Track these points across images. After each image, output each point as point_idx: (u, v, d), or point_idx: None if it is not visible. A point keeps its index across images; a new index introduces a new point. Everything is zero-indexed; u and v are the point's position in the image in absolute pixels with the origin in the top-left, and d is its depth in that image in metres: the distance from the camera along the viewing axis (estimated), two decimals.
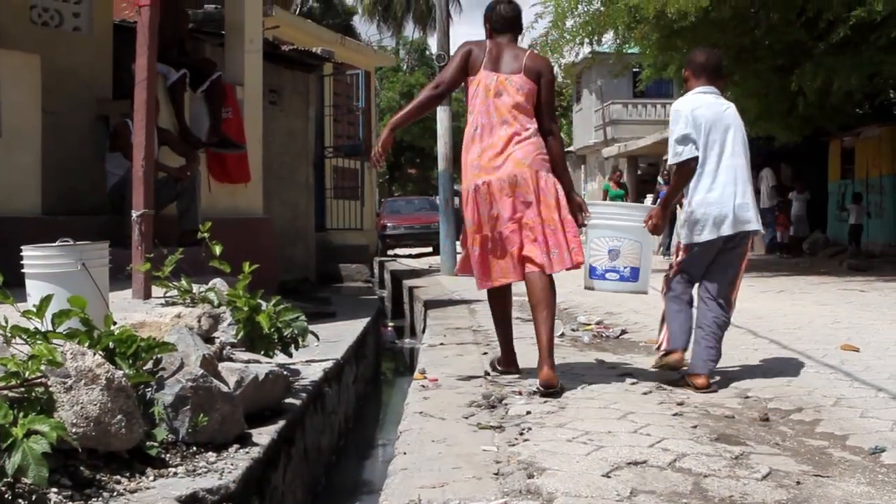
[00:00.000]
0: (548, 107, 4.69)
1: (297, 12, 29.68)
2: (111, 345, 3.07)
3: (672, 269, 4.80)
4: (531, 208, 4.50)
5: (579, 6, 13.63)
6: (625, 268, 4.78)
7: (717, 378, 4.71)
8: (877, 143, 17.55)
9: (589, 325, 7.22)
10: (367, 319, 7.76)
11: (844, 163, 19.22)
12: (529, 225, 4.51)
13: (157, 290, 5.05)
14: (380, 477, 3.95)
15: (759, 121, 15.80)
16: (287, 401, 3.93)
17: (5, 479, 2.40)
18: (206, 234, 4.77)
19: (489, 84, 4.61)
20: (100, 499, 2.52)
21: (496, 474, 3.01)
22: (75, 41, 7.84)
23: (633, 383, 4.65)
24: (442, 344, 6.40)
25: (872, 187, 17.74)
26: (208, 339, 4.13)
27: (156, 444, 2.90)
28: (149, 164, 5.47)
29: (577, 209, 4.73)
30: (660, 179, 18.00)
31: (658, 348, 4.86)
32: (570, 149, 38.49)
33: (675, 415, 3.89)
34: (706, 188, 4.57)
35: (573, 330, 6.95)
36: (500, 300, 4.91)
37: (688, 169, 4.57)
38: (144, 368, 3.13)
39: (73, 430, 2.62)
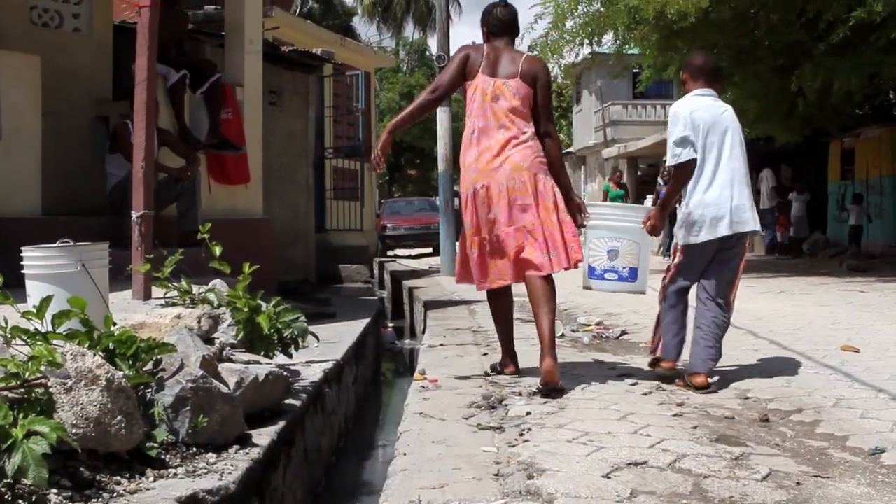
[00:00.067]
0: (545, 109, 4.75)
1: (297, 13, 29.70)
2: (111, 346, 3.07)
3: (669, 274, 4.79)
4: (529, 211, 4.56)
5: (579, 7, 13.63)
6: (623, 268, 4.83)
7: (717, 378, 4.72)
8: (877, 144, 17.56)
9: (589, 325, 7.22)
10: (366, 320, 7.76)
11: (844, 163, 19.22)
12: (528, 228, 4.56)
13: (156, 291, 5.05)
14: (380, 478, 3.95)
15: (758, 121, 15.80)
16: (287, 402, 3.92)
17: (5, 480, 2.40)
18: (206, 235, 4.78)
19: (486, 88, 4.66)
20: (100, 499, 2.52)
21: (496, 475, 3.01)
22: (75, 42, 7.84)
23: (633, 384, 4.65)
24: (442, 345, 6.40)
25: (872, 188, 17.74)
26: (208, 339, 4.13)
27: (156, 444, 2.90)
28: (149, 165, 5.47)
29: (577, 210, 4.79)
30: (660, 180, 17.99)
31: (652, 352, 4.89)
32: (570, 150, 38.48)
33: (675, 415, 3.89)
34: (703, 189, 4.60)
35: (573, 331, 6.95)
36: (500, 301, 4.96)
37: (686, 170, 4.61)
38: (144, 369, 3.13)
39: (73, 431, 2.62)
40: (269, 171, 9.66)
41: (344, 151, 14.91)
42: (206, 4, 10.01)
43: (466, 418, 3.92)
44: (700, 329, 4.64)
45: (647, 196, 21.40)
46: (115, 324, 3.31)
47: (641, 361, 5.32)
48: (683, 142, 4.57)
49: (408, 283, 13.13)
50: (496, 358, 5.16)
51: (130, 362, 3.06)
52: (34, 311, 3.15)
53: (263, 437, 3.35)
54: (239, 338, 4.23)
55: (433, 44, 34.73)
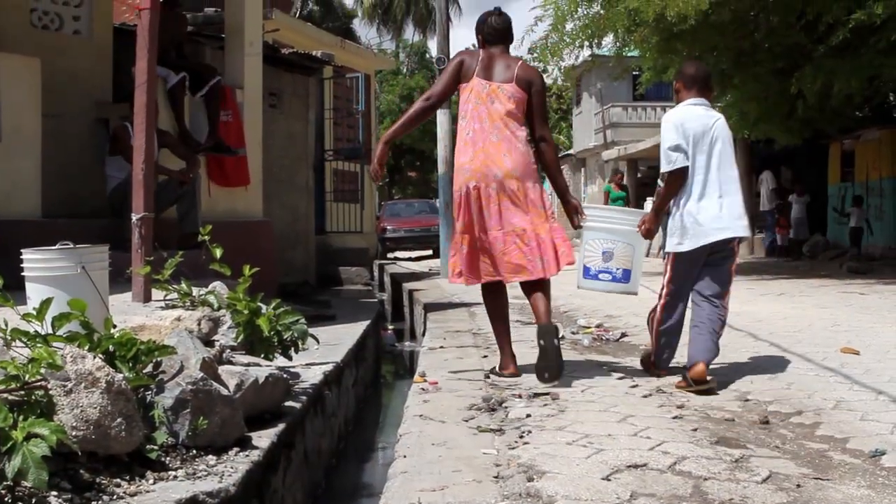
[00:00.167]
0: (540, 115, 4.90)
1: (297, 15, 29.71)
2: (111, 348, 3.07)
3: (663, 292, 4.83)
4: (520, 216, 4.73)
5: (579, 9, 13.63)
6: (617, 269, 4.97)
7: (715, 377, 4.72)
8: (877, 146, 17.56)
9: (589, 328, 7.21)
10: (366, 322, 7.76)
11: (844, 166, 19.23)
12: (517, 233, 4.73)
13: (156, 294, 5.05)
14: (380, 480, 3.95)
15: (758, 123, 15.81)
16: (287, 404, 3.93)
17: (5, 483, 2.40)
18: (206, 238, 4.78)
19: (482, 91, 4.79)
20: (99, 502, 2.52)
21: (496, 477, 3.01)
22: (75, 44, 7.84)
23: (633, 386, 4.65)
24: (442, 347, 6.39)
25: (872, 190, 17.75)
26: (208, 342, 4.13)
27: (156, 447, 2.90)
28: (149, 168, 5.48)
29: (574, 211, 4.98)
30: (660, 182, 17.96)
31: (650, 358, 5.00)
32: (570, 152, 38.50)
33: (675, 418, 3.89)
34: (694, 198, 4.71)
35: (573, 333, 6.94)
36: (496, 301, 5.02)
37: (680, 176, 4.72)
38: (144, 372, 3.12)
39: (73, 433, 2.62)
40: (269, 174, 9.66)
41: (344, 154, 14.91)
42: (206, 7, 10.02)
43: (466, 420, 3.92)
44: (697, 327, 4.68)
45: (648, 198, 21.40)
46: (115, 326, 3.31)
47: None
48: (677, 149, 4.69)
49: (408, 286, 13.12)
50: (496, 360, 5.16)
51: (130, 365, 3.06)
52: (34, 313, 3.15)
53: (263, 439, 3.35)
54: (239, 340, 4.23)
55: (433, 46, 34.83)
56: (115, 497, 2.57)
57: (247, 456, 3.10)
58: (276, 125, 10.72)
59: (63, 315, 3.08)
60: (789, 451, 3.39)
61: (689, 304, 4.85)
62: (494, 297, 5.01)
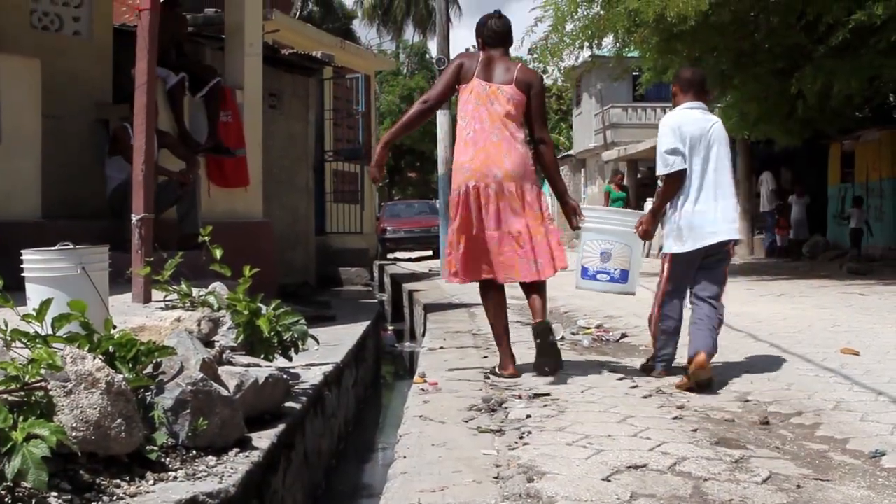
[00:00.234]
0: (539, 117, 4.98)
1: (297, 16, 29.74)
2: (111, 349, 3.07)
3: (660, 290, 4.91)
4: (518, 218, 4.80)
5: (579, 10, 13.63)
6: (615, 270, 5.06)
7: (717, 381, 4.72)
8: (877, 147, 17.56)
9: (589, 328, 7.21)
10: (366, 323, 7.76)
11: (844, 166, 19.23)
12: (513, 234, 4.81)
13: (156, 294, 5.05)
14: (380, 481, 3.95)
15: (758, 124, 15.82)
16: (287, 404, 3.93)
17: (5, 484, 2.40)
18: (206, 238, 4.78)
19: (482, 92, 4.86)
20: (99, 502, 2.52)
21: (496, 478, 3.01)
22: (75, 45, 7.85)
23: (633, 387, 4.65)
24: (442, 347, 6.39)
25: (872, 191, 17.74)
26: (208, 342, 4.13)
27: (156, 448, 2.90)
28: (149, 168, 5.48)
29: (572, 213, 5.08)
30: (660, 183, 17.99)
31: (649, 361, 5.07)
32: (570, 152, 38.49)
33: (674, 418, 3.89)
34: (690, 200, 4.80)
35: (573, 334, 6.94)
36: (495, 302, 5.04)
37: (676, 179, 4.81)
38: (144, 372, 3.12)
39: (73, 434, 2.62)
40: (269, 175, 9.66)
41: (344, 154, 14.91)
42: (206, 7, 10.02)
43: (466, 421, 3.92)
44: (696, 324, 4.75)
45: (648, 199, 21.41)
46: (115, 327, 3.31)
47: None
48: (675, 152, 4.77)
49: (408, 286, 13.12)
50: (496, 361, 5.16)
51: (130, 365, 3.06)
52: (34, 314, 3.15)
53: (263, 440, 3.35)
54: (239, 341, 4.23)
55: (433, 47, 34.79)
56: (114, 498, 2.57)
57: (247, 457, 3.10)
58: (276, 126, 10.72)
59: (63, 316, 3.08)
60: (789, 451, 3.39)
61: (687, 304, 4.92)
62: (493, 297, 5.03)
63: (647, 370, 5.03)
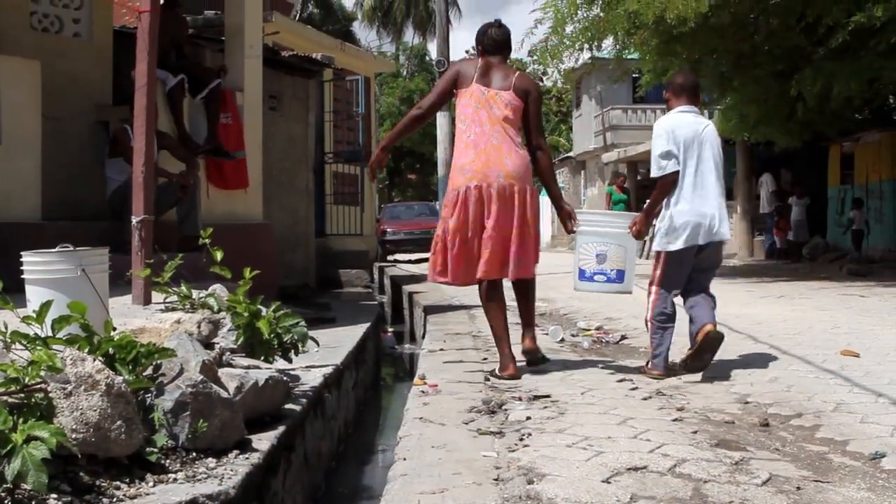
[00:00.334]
0: (536, 123, 5.13)
1: (297, 18, 29.73)
2: (111, 350, 3.07)
3: (654, 287, 5.06)
4: (512, 220, 4.91)
5: (579, 12, 13.63)
6: (611, 270, 5.20)
7: (716, 382, 4.73)
8: (876, 149, 17.57)
9: (588, 330, 7.21)
10: (366, 325, 7.76)
11: (844, 168, 19.24)
12: (504, 235, 4.91)
13: (156, 296, 5.05)
14: (380, 483, 3.94)
15: (758, 126, 15.82)
16: (287, 406, 3.92)
17: (5, 485, 2.40)
18: (207, 240, 4.78)
19: (481, 96, 4.99)
20: None
21: (496, 480, 3.01)
22: (75, 47, 7.85)
23: (633, 389, 4.66)
24: (442, 349, 6.39)
25: (872, 192, 17.75)
26: (208, 344, 4.13)
27: (155, 449, 2.89)
28: (149, 170, 5.48)
29: (567, 217, 5.23)
30: None
31: (648, 363, 5.14)
32: (570, 154, 38.48)
33: (674, 420, 3.89)
34: (685, 199, 4.96)
35: (573, 335, 6.94)
36: (494, 303, 5.11)
37: (669, 181, 4.99)
38: (144, 374, 3.12)
39: (73, 435, 2.61)
40: (269, 176, 9.66)
41: (344, 156, 14.90)
42: (206, 9, 10.02)
43: (466, 423, 3.92)
44: (694, 307, 5.00)
45: (647, 200, 21.42)
46: (114, 329, 3.31)
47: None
48: (668, 155, 4.96)
49: (408, 288, 13.12)
50: (496, 362, 5.17)
51: (130, 367, 3.06)
52: (34, 315, 3.15)
53: (263, 442, 3.35)
54: (239, 343, 4.23)
55: (433, 48, 34.84)
56: (114, 499, 2.56)
57: (247, 458, 3.10)
58: (275, 128, 10.73)
59: (63, 318, 3.08)
60: (789, 453, 3.39)
61: (679, 302, 5.12)
62: (493, 299, 5.10)
63: (646, 371, 5.05)
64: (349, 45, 19.77)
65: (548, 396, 4.41)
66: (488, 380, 4.96)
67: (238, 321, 4.27)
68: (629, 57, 16.20)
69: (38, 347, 2.87)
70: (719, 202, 5.01)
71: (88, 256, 4.26)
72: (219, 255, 4.68)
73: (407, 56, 47.16)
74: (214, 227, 5.10)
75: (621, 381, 4.89)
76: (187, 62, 8.29)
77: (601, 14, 13.46)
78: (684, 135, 4.96)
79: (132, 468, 2.77)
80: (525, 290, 5.16)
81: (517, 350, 5.16)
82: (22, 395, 2.64)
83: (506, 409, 4.15)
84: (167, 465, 2.89)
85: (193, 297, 4.68)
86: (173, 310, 4.60)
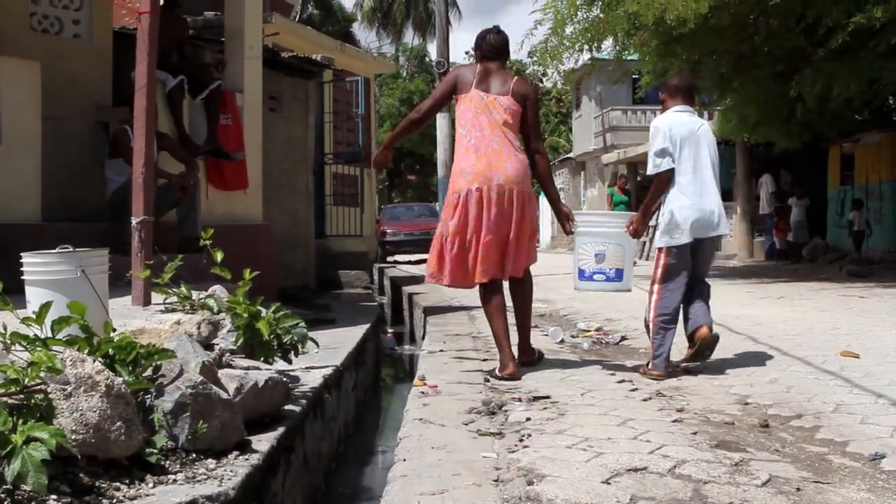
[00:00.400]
0: (534, 127, 5.24)
1: (297, 19, 29.74)
2: (111, 351, 3.07)
3: (657, 284, 5.13)
4: (511, 222, 5.00)
5: (579, 13, 13.63)
6: (610, 269, 5.29)
7: (717, 384, 4.73)
8: (876, 150, 17.57)
9: (588, 331, 7.21)
10: (366, 326, 7.76)
11: (844, 169, 19.24)
12: (503, 237, 5.01)
13: (156, 297, 5.05)
14: (379, 484, 3.94)
15: (758, 127, 15.81)
16: (287, 407, 3.92)
17: (5, 486, 2.39)
18: (208, 241, 4.78)
19: (480, 102, 5.08)
20: None
21: (496, 481, 3.01)
22: (75, 48, 7.85)
23: (633, 390, 4.65)
24: (441, 350, 6.39)
25: (872, 193, 17.76)
26: (208, 345, 4.13)
27: (155, 450, 2.89)
28: (149, 171, 5.48)
29: (565, 219, 5.34)
30: None
31: (648, 366, 5.15)
32: (570, 155, 38.48)
33: (674, 421, 3.89)
34: (685, 195, 5.07)
35: (573, 336, 6.94)
36: (494, 303, 5.16)
37: (665, 179, 5.10)
38: (144, 375, 3.12)
39: (73, 436, 2.61)
40: (268, 177, 9.66)
41: (344, 157, 14.89)
42: (205, 11, 10.02)
43: (466, 424, 3.92)
44: (693, 305, 5.15)
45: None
46: (114, 329, 3.31)
47: None
48: (663, 153, 5.08)
49: (407, 289, 13.12)
50: (496, 363, 5.18)
51: (130, 368, 3.06)
52: (34, 316, 3.15)
53: (263, 443, 3.35)
54: (239, 343, 4.22)
55: (433, 49, 34.87)
56: (114, 500, 2.56)
57: (246, 460, 3.10)
58: (275, 129, 10.73)
59: (63, 319, 3.08)
60: (789, 454, 3.39)
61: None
62: (493, 300, 5.15)
63: (646, 372, 5.05)
64: (349, 46, 19.77)
65: (548, 397, 4.41)
66: (488, 381, 4.97)
67: (238, 322, 4.26)
68: (629, 58, 16.20)
69: (38, 348, 2.87)
70: (718, 198, 5.13)
71: (88, 257, 4.26)
72: (219, 256, 4.68)
73: (407, 57, 47.16)
74: (214, 228, 5.09)
75: (621, 382, 4.89)
76: (188, 63, 8.29)
77: (601, 15, 13.47)
78: (680, 133, 5.07)
79: (132, 469, 2.77)
80: (522, 295, 5.28)
81: (517, 351, 5.19)
82: (22, 396, 2.64)
83: (506, 410, 4.15)
84: (167, 466, 2.89)
85: (193, 298, 4.68)
86: (173, 311, 4.60)
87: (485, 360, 5.74)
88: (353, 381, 6.19)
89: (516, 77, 5.27)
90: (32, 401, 2.64)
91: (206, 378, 3.20)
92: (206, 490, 2.71)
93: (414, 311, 11.17)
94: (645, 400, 4.38)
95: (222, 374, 3.50)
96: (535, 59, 14.70)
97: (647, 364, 5.13)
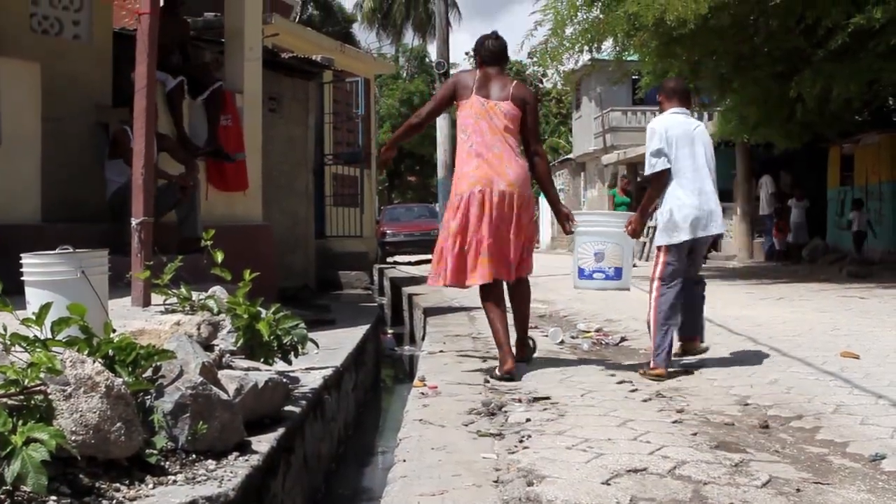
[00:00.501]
0: (533, 130, 5.36)
1: (297, 20, 29.76)
2: (110, 352, 3.07)
3: (656, 282, 5.18)
4: (510, 225, 5.11)
5: (579, 14, 13.64)
6: (609, 268, 5.43)
7: (717, 384, 4.72)
8: (876, 150, 17.57)
9: (588, 332, 7.21)
10: (366, 327, 7.75)
11: (844, 169, 19.24)
12: (503, 239, 5.11)
13: (156, 298, 5.05)
14: (379, 485, 3.94)
15: (758, 127, 15.81)
16: (287, 408, 3.92)
17: (4, 487, 2.39)
18: (209, 242, 4.78)
19: (480, 108, 5.19)
20: None
21: (496, 482, 3.01)
22: (75, 49, 7.85)
23: (633, 390, 4.66)
24: (441, 351, 6.39)
25: (872, 194, 17.75)
26: (208, 346, 4.12)
27: (155, 451, 2.89)
28: (148, 172, 5.48)
29: (565, 219, 5.47)
30: None
31: (649, 364, 5.16)
32: (570, 156, 38.47)
33: (674, 422, 3.89)
34: (684, 194, 5.18)
35: (573, 337, 6.94)
36: (494, 300, 5.23)
37: (661, 179, 5.20)
38: (144, 376, 3.12)
39: (73, 437, 2.61)
40: (268, 178, 9.66)
41: (343, 158, 14.90)
42: (205, 11, 10.02)
43: (466, 425, 3.92)
44: (690, 309, 5.26)
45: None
46: (114, 330, 3.31)
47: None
48: (659, 153, 5.17)
49: (407, 290, 13.12)
50: (495, 363, 5.19)
51: (130, 369, 3.05)
52: (33, 317, 3.15)
53: (263, 443, 3.35)
54: (238, 344, 4.22)
55: (433, 50, 34.80)
56: (114, 501, 2.56)
57: (246, 461, 3.10)
58: (275, 130, 10.72)
59: (62, 319, 3.07)
60: (789, 455, 3.39)
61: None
62: (493, 299, 5.23)
63: (646, 373, 5.06)
64: (349, 47, 19.78)
65: (547, 398, 4.41)
66: (488, 381, 4.98)
67: (238, 323, 4.26)
68: (629, 59, 16.20)
69: (38, 349, 2.87)
70: (715, 197, 5.23)
71: (88, 258, 4.26)
72: (219, 257, 4.68)
73: (407, 58, 47.15)
74: (214, 228, 5.09)
75: (621, 382, 4.89)
76: (190, 64, 8.29)
77: (601, 16, 13.47)
78: (676, 134, 5.18)
79: (132, 470, 2.77)
80: (521, 295, 5.40)
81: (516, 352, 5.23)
82: (22, 396, 2.64)
83: (505, 411, 4.15)
84: (167, 466, 2.89)
85: (193, 298, 4.67)
86: (173, 311, 4.59)
87: (485, 360, 5.74)
88: (353, 381, 6.19)
89: (515, 81, 5.40)
90: (32, 402, 2.64)
91: (206, 379, 3.20)
92: (206, 491, 2.70)
93: (414, 311, 11.17)
94: (645, 401, 4.38)
95: (222, 374, 3.50)
96: (535, 59, 14.72)
97: (648, 363, 5.13)
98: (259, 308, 4.32)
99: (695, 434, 3.65)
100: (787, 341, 6.35)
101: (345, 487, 5.03)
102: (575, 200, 35.69)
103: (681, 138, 5.17)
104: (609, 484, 2.92)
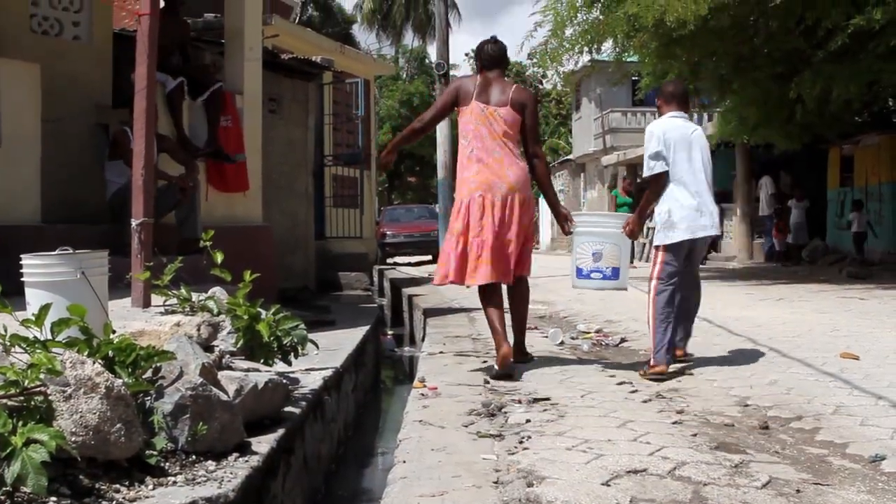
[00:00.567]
0: (533, 133, 5.44)
1: (297, 21, 29.76)
2: (110, 353, 3.07)
3: (654, 284, 5.22)
4: (511, 227, 5.21)
5: (578, 15, 13.63)
6: (607, 268, 5.48)
7: (717, 385, 4.72)
8: (876, 151, 17.57)
9: (588, 333, 7.21)
10: (366, 328, 7.75)
11: (843, 171, 19.23)
12: (504, 240, 5.20)
13: (156, 299, 5.05)
14: (379, 485, 3.94)
15: (758, 128, 15.81)
16: (286, 409, 3.92)
17: (4, 488, 2.39)
18: (208, 243, 4.78)
19: (480, 113, 5.29)
20: None
21: (496, 483, 3.01)
22: (75, 50, 7.85)
23: (633, 391, 4.66)
24: (441, 352, 6.39)
25: (872, 195, 17.75)
26: (207, 347, 4.13)
27: (155, 452, 2.89)
28: (148, 173, 5.48)
29: (564, 220, 5.58)
30: None
31: (649, 364, 5.17)
32: (570, 157, 38.47)
33: (674, 423, 3.89)
34: (683, 195, 5.19)
35: (573, 338, 6.94)
36: (494, 302, 5.28)
37: (660, 181, 5.26)
38: (144, 377, 3.12)
39: (73, 438, 2.61)
40: (268, 179, 9.66)
41: (343, 159, 14.90)
42: (205, 12, 10.03)
43: (466, 426, 3.92)
44: (683, 314, 5.31)
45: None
46: (114, 331, 3.31)
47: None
48: (657, 156, 5.23)
49: (407, 291, 13.12)
50: (495, 365, 5.19)
51: (130, 370, 3.06)
52: (33, 318, 3.15)
53: (263, 444, 3.35)
54: (238, 345, 4.22)
55: (433, 51, 34.82)
56: (114, 502, 2.56)
57: (246, 461, 3.10)
58: (275, 131, 10.72)
59: (62, 320, 3.07)
60: (789, 456, 3.39)
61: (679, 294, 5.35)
62: (491, 298, 5.32)
63: (646, 373, 5.06)
64: (349, 48, 19.78)
65: (547, 399, 4.41)
66: (488, 382, 4.98)
67: (238, 324, 4.26)
68: (629, 60, 16.20)
69: (38, 350, 2.87)
70: (712, 199, 5.30)
71: (88, 259, 4.26)
72: (219, 258, 4.68)
73: (406, 59, 47.17)
74: (214, 229, 5.09)
75: (621, 383, 4.89)
76: (190, 65, 8.29)
77: (601, 17, 13.46)
78: (674, 137, 5.23)
79: (132, 471, 2.77)
80: (520, 295, 5.48)
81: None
82: (21, 397, 2.64)
83: (505, 412, 4.15)
84: (167, 467, 2.89)
85: (193, 299, 4.67)
86: (173, 312, 4.60)
87: (485, 361, 5.74)
88: (352, 382, 6.19)
89: (515, 85, 5.50)
90: (32, 403, 2.64)
91: (206, 380, 3.20)
92: (206, 492, 2.70)
93: (414, 312, 11.17)
94: (645, 402, 4.38)
95: (222, 375, 3.50)
96: (534, 61, 14.73)
97: (649, 362, 5.14)
98: (259, 309, 4.32)
99: (695, 435, 3.65)
100: (787, 342, 6.35)
101: (345, 488, 5.03)
102: (575, 201, 35.69)
103: (679, 142, 5.23)
104: (609, 485, 2.92)
